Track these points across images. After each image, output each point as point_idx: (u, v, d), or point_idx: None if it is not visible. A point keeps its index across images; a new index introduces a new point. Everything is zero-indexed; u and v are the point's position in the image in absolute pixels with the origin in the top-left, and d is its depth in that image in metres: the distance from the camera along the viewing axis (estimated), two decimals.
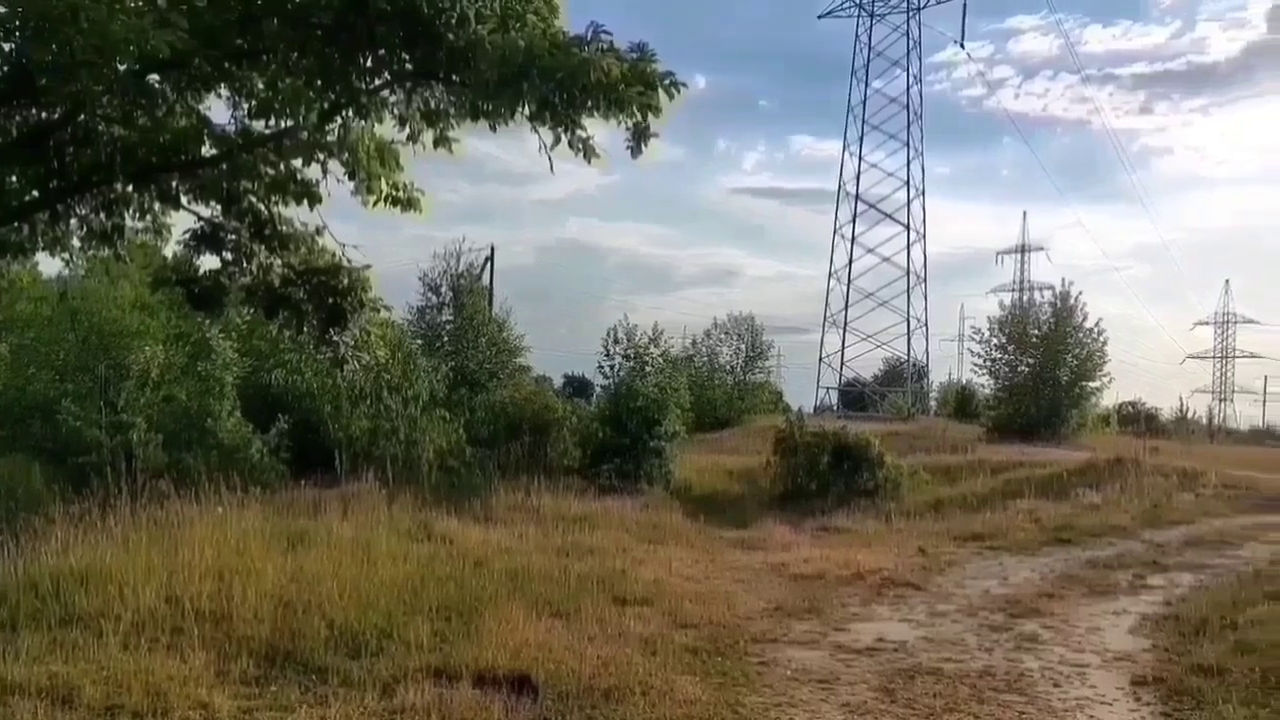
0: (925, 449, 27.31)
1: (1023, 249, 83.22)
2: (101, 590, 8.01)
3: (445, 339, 27.91)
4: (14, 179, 7.85)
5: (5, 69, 6.86)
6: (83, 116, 7.36)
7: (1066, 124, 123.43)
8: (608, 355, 22.51)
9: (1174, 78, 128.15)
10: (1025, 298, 48.18)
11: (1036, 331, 35.84)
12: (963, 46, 66.31)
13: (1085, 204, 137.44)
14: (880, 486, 19.70)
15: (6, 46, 6.28)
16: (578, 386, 37.61)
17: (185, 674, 6.61)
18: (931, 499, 19.80)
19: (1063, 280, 37.02)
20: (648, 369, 21.98)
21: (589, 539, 13.28)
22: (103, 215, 8.41)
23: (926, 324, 56.04)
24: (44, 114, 7.64)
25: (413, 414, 18.92)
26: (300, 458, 16.87)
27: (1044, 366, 34.76)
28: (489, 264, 34.83)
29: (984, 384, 39.17)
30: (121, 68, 6.71)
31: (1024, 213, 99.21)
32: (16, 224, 8.13)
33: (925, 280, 55.86)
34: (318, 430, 17.83)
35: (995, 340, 36.52)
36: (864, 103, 56.49)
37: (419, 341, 24.65)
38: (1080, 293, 35.99)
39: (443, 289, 29.51)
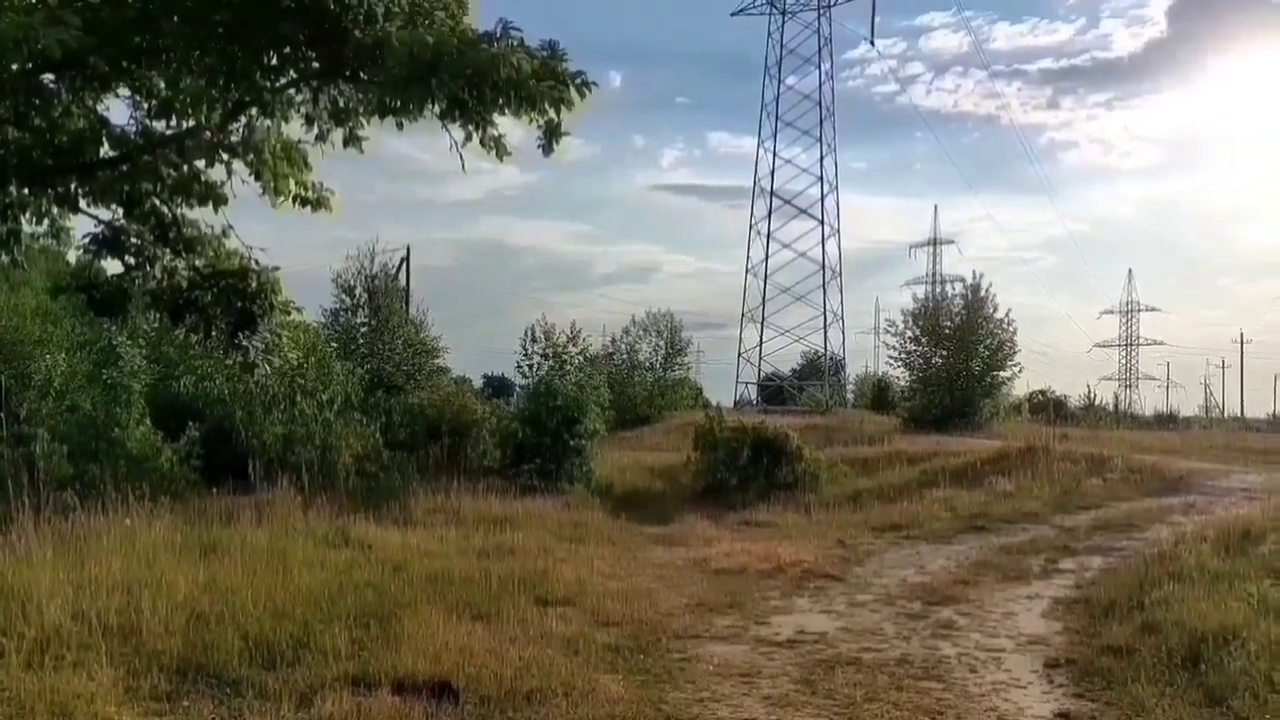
0: (843, 441, 27.76)
1: (935, 242, 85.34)
2: (3, 607, 7.69)
3: (361, 341, 27.52)
4: None
5: None
6: None
7: (976, 119, 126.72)
8: (526, 355, 22.45)
9: (1079, 73, 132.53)
10: (938, 290, 49.36)
11: (949, 323, 36.70)
12: (873, 44, 67.37)
13: (995, 197, 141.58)
14: (799, 479, 19.95)
15: None
16: (497, 387, 37.38)
17: (93, 692, 6.39)
18: (850, 490, 20.11)
19: (974, 273, 38.16)
20: (567, 367, 21.95)
21: (510, 540, 13.18)
22: None
23: (843, 318, 57.05)
24: None
25: (328, 418, 18.62)
26: (213, 466, 16.46)
27: (957, 358, 35.62)
28: (404, 264, 34.41)
29: (899, 376, 40.02)
30: (13, 68, 6.46)
31: (935, 207, 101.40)
32: None
33: (840, 274, 56.85)
34: (230, 437, 17.42)
35: (909, 333, 37.31)
36: (777, 100, 57.22)
37: (334, 344, 24.23)
38: (990, 285, 36.99)
39: (357, 290, 29.06)
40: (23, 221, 8.35)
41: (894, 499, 18.82)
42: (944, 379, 35.66)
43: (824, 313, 55.46)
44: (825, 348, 56.20)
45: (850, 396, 55.78)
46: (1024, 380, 41.61)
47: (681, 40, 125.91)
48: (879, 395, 46.83)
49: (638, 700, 6.92)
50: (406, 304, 31.49)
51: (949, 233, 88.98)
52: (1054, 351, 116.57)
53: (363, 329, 28.24)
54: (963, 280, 41.26)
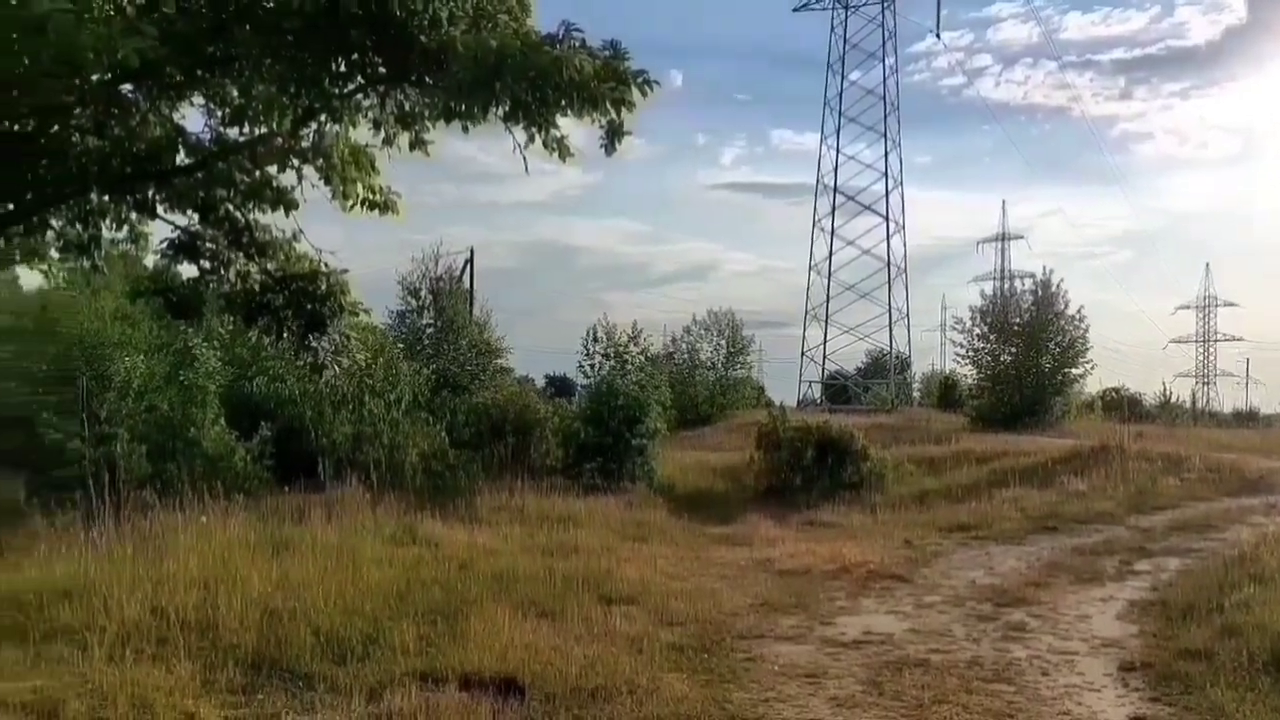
0: (909, 440, 27.39)
1: (1003, 237, 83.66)
2: (85, 603, 7.95)
3: (426, 342, 27.87)
4: None
5: None
6: (54, 128, 7.32)
7: (1046, 111, 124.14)
8: (588, 354, 22.56)
9: (1154, 62, 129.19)
10: (1006, 286, 48.41)
11: (1018, 320, 36.01)
12: (939, 37, 66.30)
13: (1065, 191, 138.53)
14: (865, 479, 19.72)
15: None
16: (559, 386, 37.54)
17: (171, 685, 6.58)
18: (916, 490, 19.86)
19: (1043, 268, 37.40)
20: (628, 367, 22.00)
21: (574, 538, 13.26)
22: (79, 226, 8.38)
23: (908, 315, 56.22)
24: (15, 126, 7.59)
25: (395, 418, 18.88)
26: (284, 464, 16.80)
27: (1026, 355, 34.95)
28: (469, 266, 34.79)
29: (967, 374, 39.32)
30: (93, 78, 6.67)
31: (1003, 201, 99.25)
32: None
33: (906, 271, 56.05)
34: (301, 436, 17.75)
35: (977, 330, 36.68)
36: (840, 95, 56.59)
37: (400, 345, 24.59)
38: (1061, 280, 36.21)
39: (422, 292, 29.45)
40: (103, 227, 8.63)
41: (962, 499, 18.56)
42: (1013, 377, 35.01)
43: (889, 310, 54.74)
44: (890, 345, 55.50)
45: (916, 395, 55.00)
46: (1096, 378, 40.71)
47: (743, 37, 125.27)
48: (946, 393, 46.10)
49: (702, 699, 6.91)
50: (470, 305, 31.84)
51: (1017, 227, 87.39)
52: (1127, 348, 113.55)
53: (428, 330, 28.61)
54: (1032, 276, 40.43)
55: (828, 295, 55.44)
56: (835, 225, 55.82)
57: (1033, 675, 7.77)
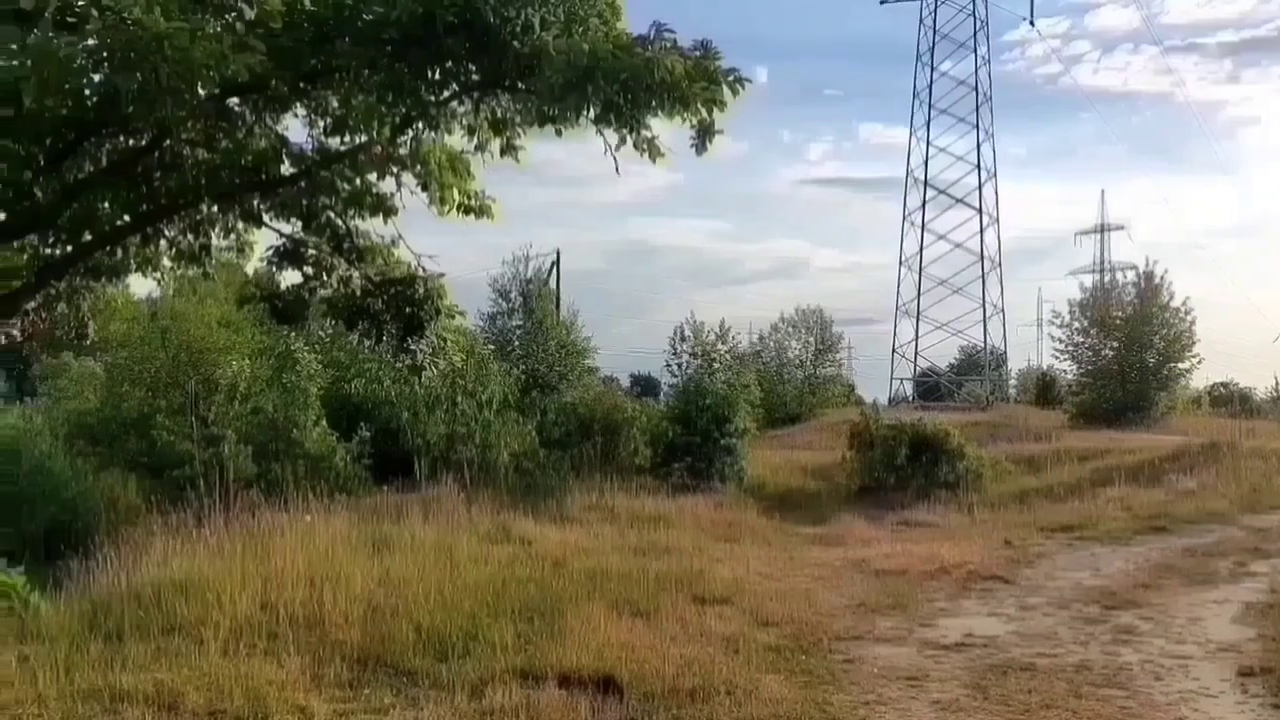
0: (1007, 438, 26.78)
1: (1102, 229, 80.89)
2: (200, 599, 8.26)
3: (516, 343, 28.21)
4: (106, 205, 8.16)
5: (95, 99, 7.11)
6: (169, 141, 7.62)
7: (1148, 98, 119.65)
8: (675, 354, 22.56)
9: (1264, 44, 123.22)
10: (1107, 279, 46.93)
11: (1120, 313, 34.88)
12: (1033, 24, 64.31)
13: (1169, 180, 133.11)
14: (961, 478, 19.38)
15: (96, 77, 6.51)
16: (645, 386, 37.64)
17: (283, 679, 6.79)
18: (1016, 489, 19.44)
19: (1146, 259, 36.00)
20: (715, 366, 21.95)
21: (665, 538, 13.30)
22: (190, 236, 8.69)
23: (1003, 310, 54.70)
24: (132, 141, 7.92)
25: (487, 418, 19.19)
26: (381, 464, 17.23)
27: (1129, 349, 33.82)
28: (555, 268, 35.10)
29: (1066, 369, 38.25)
30: (202, 93, 6.91)
31: (1102, 191, 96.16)
32: (110, 247, 8.44)
33: (1000, 265, 54.55)
34: (397, 436, 18.19)
35: (1077, 324, 35.62)
36: (930, 87, 55.32)
37: (491, 346, 24.96)
38: (1165, 271, 34.91)
39: (512, 294, 29.84)
40: (212, 236, 8.95)
41: (1064, 498, 18.12)
42: (1115, 372, 33.92)
43: (983, 305, 53.34)
44: (985, 341, 54.10)
45: (1013, 392, 53.66)
46: (1203, 372, 39.12)
47: (830, 32, 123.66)
48: (1044, 390, 44.90)
49: (801, 701, 6.86)
50: (557, 306, 32.13)
51: (1118, 218, 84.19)
52: (1237, 341, 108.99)
53: (517, 331, 28.96)
54: (1134, 267, 39.08)
55: (919, 291, 54.32)
56: (926, 219, 54.68)
57: (1145, 680, 7.55)
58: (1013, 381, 56.08)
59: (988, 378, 52.71)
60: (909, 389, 54.09)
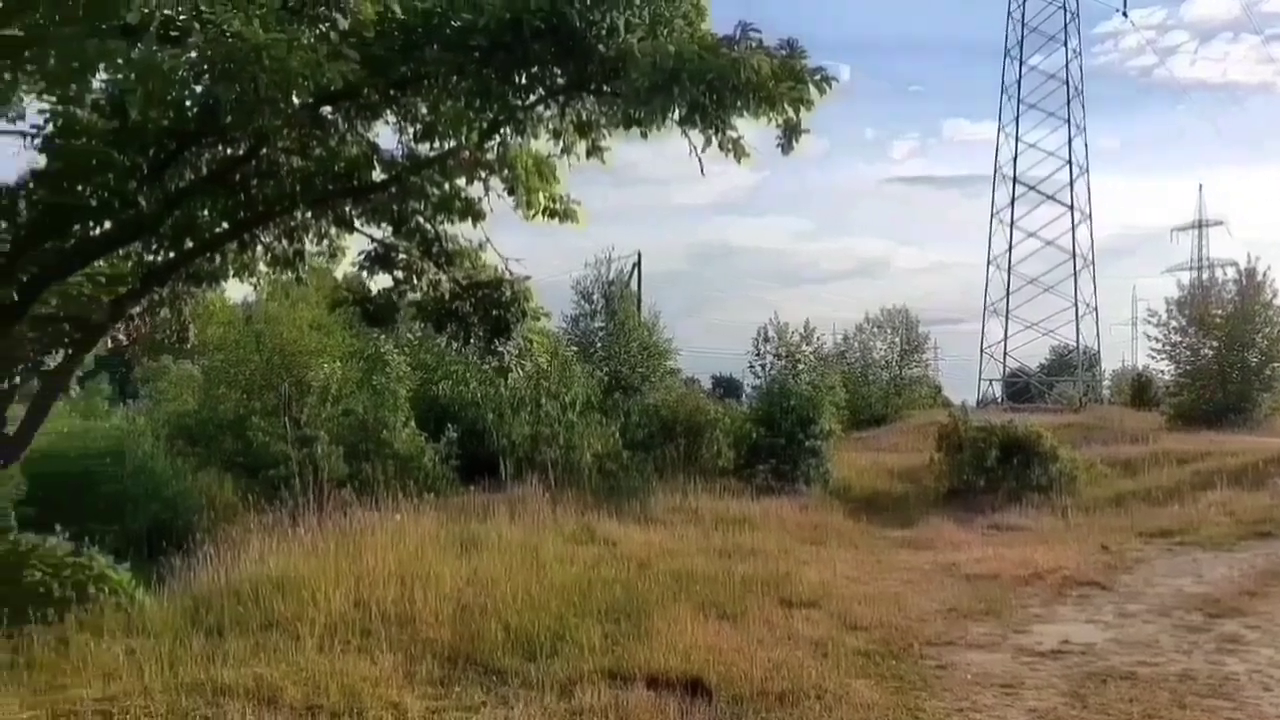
0: (1101, 440, 25.99)
1: (1200, 224, 77.89)
2: (296, 596, 8.47)
3: (598, 345, 28.35)
4: (206, 212, 8.42)
5: (195, 110, 7.34)
6: (265, 150, 7.83)
7: (1248, 89, 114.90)
8: (758, 354, 22.43)
9: None
10: (1205, 276, 45.23)
11: (1220, 312, 33.57)
12: (1126, 15, 62.44)
13: (1272, 173, 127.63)
14: (1054, 481, 18.89)
15: (197, 89, 6.73)
16: (727, 387, 37.48)
17: (376, 675, 6.93)
18: (1111, 493, 18.86)
19: (1248, 255, 34.55)
20: (800, 367, 21.75)
21: (750, 540, 13.23)
22: (285, 241, 8.91)
23: (1096, 308, 53.14)
24: (230, 150, 8.15)
25: (571, 419, 19.31)
26: (468, 464, 17.48)
27: (1230, 349, 32.53)
28: (636, 269, 35.18)
29: (1163, 370, 36.93)
30: (297, 101, 7.08)
31: (1200, 185, 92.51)
32: (209, 254, 8.71)
33: (1093, 262, 53.01)
34: (483, 437, 18.43)
35: (1174, 323, 34.38)
36: (1019, 81, 54.03)
37: (574, 348, 25.13)
38: (1268, 268, 33.49)
39: (594, 296, 29.99)
40: (306, 242, 9.17)
41: (1162, 502, 17.51)
42: (1215, 372, 32.66)
43: (1075, 304, 51.89)
44: (1077, 340, 52.63)
45: (1106, 393, 52.08)
46: None
47: (915, 28, 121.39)
48: (1139, 391, 43.47)
49: (893, 707, 6.76)
50: (639, 308, 32.19)
51: (1216, 213, 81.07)
52: None
53: (600, 333, 29.10)
54: (1234, 264, 37.58)
55: (1008, 289, 53.09)
56: (1015, 216, 53.45)
57: (1253, 691, 7.26)
58: (1106, 382, 54.44)
59: (1080, 378, 51.27)
60: (998, 390, 52.90)
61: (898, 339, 41.99)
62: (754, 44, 7.30)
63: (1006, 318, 53.02)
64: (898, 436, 29.50)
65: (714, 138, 7.70)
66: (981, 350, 54.13)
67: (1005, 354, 53.59)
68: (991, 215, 54.46)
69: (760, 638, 8.37)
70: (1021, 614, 9.74)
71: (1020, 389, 52.94)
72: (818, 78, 7.45)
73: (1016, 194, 53.43)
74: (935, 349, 46.44)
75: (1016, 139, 53.77)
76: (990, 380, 53.73)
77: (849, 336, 41.66)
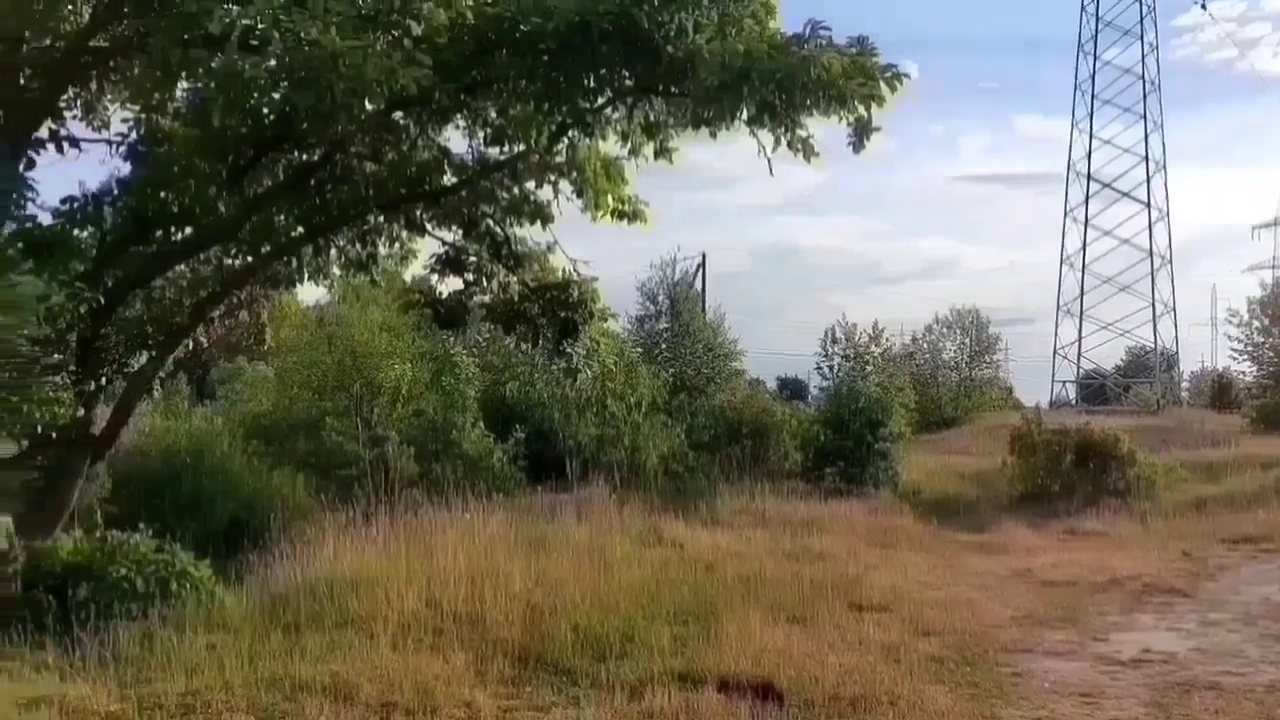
0: (1180, 444, 25.25)
1: None
2: (370, 594, 8.57)
3: (663, 346, 28.34)
4: (282, 217, 8.62)
5: (272, 117, 7.52)
6: (339, 155, 7.99)
7: None
8: (826, 355, 22.23)
9: None
10: None
11: None
12: (1204, 7, 60.85)
13: None
14: (1132, 485, 18.43)
15: (275, 96, 6.89)
16: (793, 389, 37.22)
17: (449, 674, 6.99)
18: (1192, 498, 18.31)
19: None
20: (868, 368, 21.51)
21: (818, 543, 13.10)
22: (359, 245, 9.10)
23: (1174, 308, 51.80)
24: (305, 156, 8.34)
25: (636, 420, 19.33)
26: (534, 465, 17.60)
27: None
28: (701, 270, 35.11)
29: (1244, 371, 35.93)
30: (370, 107, 7.21)
31: None
32: (286, 257, 8.91)
33: (1171, 261, 51.67)
34: (549, 438, 18.53)
35: (1256, 323, 33.48)
36: (1093, 77, 52.92)
37: (639, 350, 25.15)
38: None
39: (659, 297, 29.99)
40: (379, 245, 9.34)
41: (1246, 507, 16.96)
42: None
43: (1152, 303, 50.64)
44: (1155, 341, 51.35)
45: (1184, 395, 50.70)
46: None
47: (985, 24, 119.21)
48: (1220, 393, 42.23)
49: (969, 714, 6.65)
50: (703, 309, 32.12)
51: None
52: None
53: (665, 334, 29.09)
54: None
55: (1082, 289, 51.96)
56: (1090, 214, 52.32)
57: None
58: (1185, 384, 52.97)
59: (1158, 380, 49.94)
60: (1071, 392, 51.79)
61: (968, 340, 41.32)
62: (824, 42, 7.27)
63: (1081, 318, 51.90)
64: (968, 439, 29.03)
65: (783, 137, 7.68)
66: (1055, 351, 53.05)
67: (1079, 355, 52.46)
68: (1065, 213, 53.36)
69: (831, 642, 8.27)
70: (1100, 621, 9.51)
71: (1095, 391, 51.76)
72: (889, 75, 7.40)
73: (1091, 191, 52.33)
74: (1006, 350, 45.60)
75: (1091, 135, 52.65)
76: (1064, 382, 52.65)
77: (917, 337, 41.10)
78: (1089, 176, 52.36)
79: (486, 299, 9.47)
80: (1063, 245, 53.53)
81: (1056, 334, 53.26)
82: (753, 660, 7.48)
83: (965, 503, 19.09)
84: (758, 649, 7.74)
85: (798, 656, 7.65)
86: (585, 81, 7.72)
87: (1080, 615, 9.69)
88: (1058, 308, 53.31)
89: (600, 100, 7.98)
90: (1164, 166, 51.97)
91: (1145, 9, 52.12)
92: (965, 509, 18.22)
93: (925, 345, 40.90)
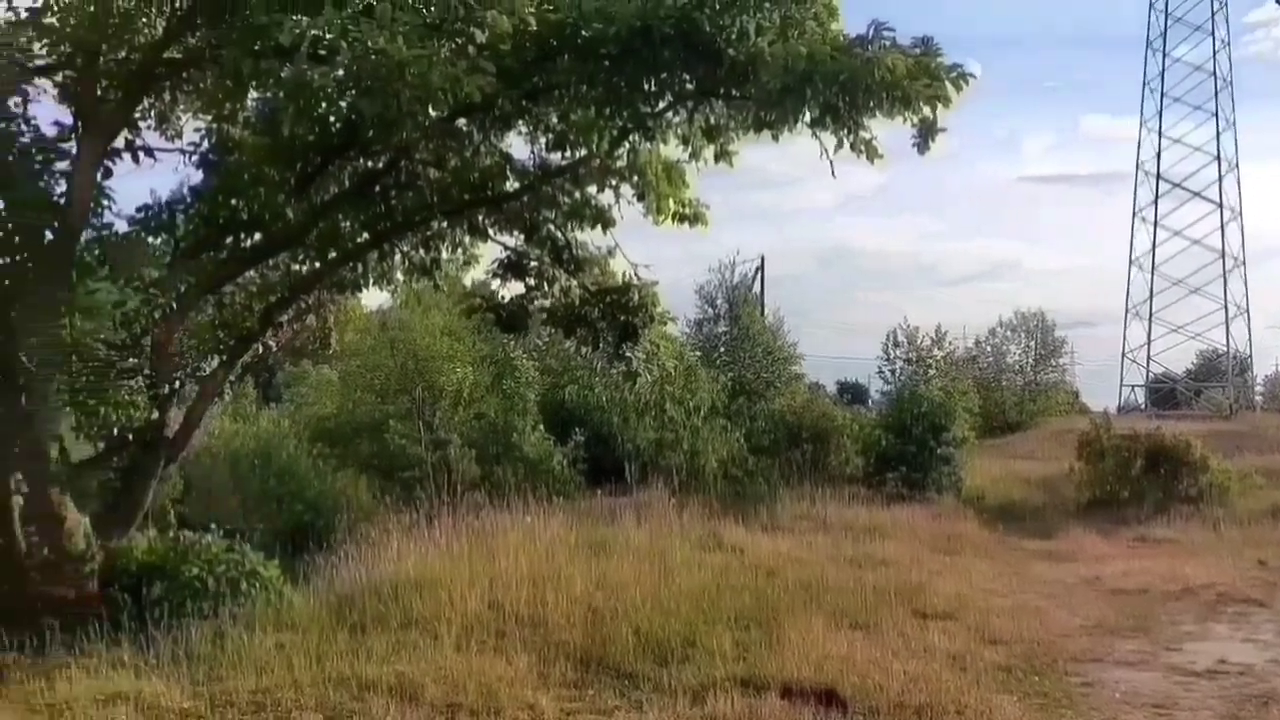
0: (1255, 449, 24.55)
1: None
2: (433, 595, 8.66)
3: (722, 350, 28.25)
4: (348, 223, 8.75)
5: (339, 125, 7.65)
6: (404, 162, 8.10)
7: None
8: (888, 359, 21.98)
9: None
10: None
11: None
12: (1278, 2, 58.98)
13: None
14: (1204, 492, 17.98)
15: (342, 104, 7.01)
16: (854, 393, 36.86)
17: (512, 676, 7.03)
18: (1267, 505, 17.80)
19: None
20: (931, 372, 21.23)
21: (880, 549, 12.96)
22: (422, 250, 9.21)
23: (1247, 310, 50.24)
24: (370, 163, 8.47)
25: (695, 424, 19.29)
26: (594, 468, 17.66)
27: None
28: (759, 273, 34.95)
29: None
30: (433, 114, 7.29)
31: None
32: (352, 263, 9.05)
33: (1244, 262, 50.15)
34: (608, 441, 18.57)
35: None
36: (1162, 74, 51.61)
37: (697, 353, 25.09)
38: None
39: (718, 301, 29.90)
40: (442, 250, 9.45)
41: None
42: None
43: (1225, 305, 49.22)
44: (1228, 344, 49.86)
45: (1259, 399, 49.20)
46: None
47: (1050, 22, 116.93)
48: None
49: None
50: (762, 312, 31.96)
51: None
52: None
53: (724, 338, 28.99)
54: None
55: (1151, 291, 50.71)
56: (1159, 215, 51.05)
57: None
58: (1259, 388, 51.36)
59: (1231, 384, 48.52)
60: (1140, 396, 50.55)
61: (1032, 343, 40.52)
62: (887, 43, 7.20)
63: (1150, 320, 50.64)
64: (1033, 444, 28.51)
65: (846, 139, 7.61)
66: (1123, 355, 51.81)
67: (1149, 358, 51.17)
68: (1133, 214, 52.11)
69: (895, 649, 8.18)
70: (1172, 631, 9.30)
71: (1165, 395, 50.48)
72: (954, 75, 7.31)
73: (1161, 191, 51.04)
74: (1072, 353, 44.64)
75: (1160, 134, 51.37)
76: (1133, 386, 51.37)
77: (981, 340, 40.41)
78: (1158, 176, 51.08)
79: (547, 303, 9.53)
80: (1131, 246, 52.27)
81: (1124, 337, 52.02)
82: (815, 667, 7.42)
83: (1031, 509, 18.77)
84: (820, 655, 7.67)
85: (861, 663, 7.57)
86: (646, 86, 7.73)
87: (1152, 624, 9.48)
88: (1126, 310, 52.07)
89: (661, 104, 7.99)
90: (1236, 165, 50.50)
91: (1216, 5, 50.74)
92: (1031, 515, 17.92)
93: (989, 348, 40.20)
